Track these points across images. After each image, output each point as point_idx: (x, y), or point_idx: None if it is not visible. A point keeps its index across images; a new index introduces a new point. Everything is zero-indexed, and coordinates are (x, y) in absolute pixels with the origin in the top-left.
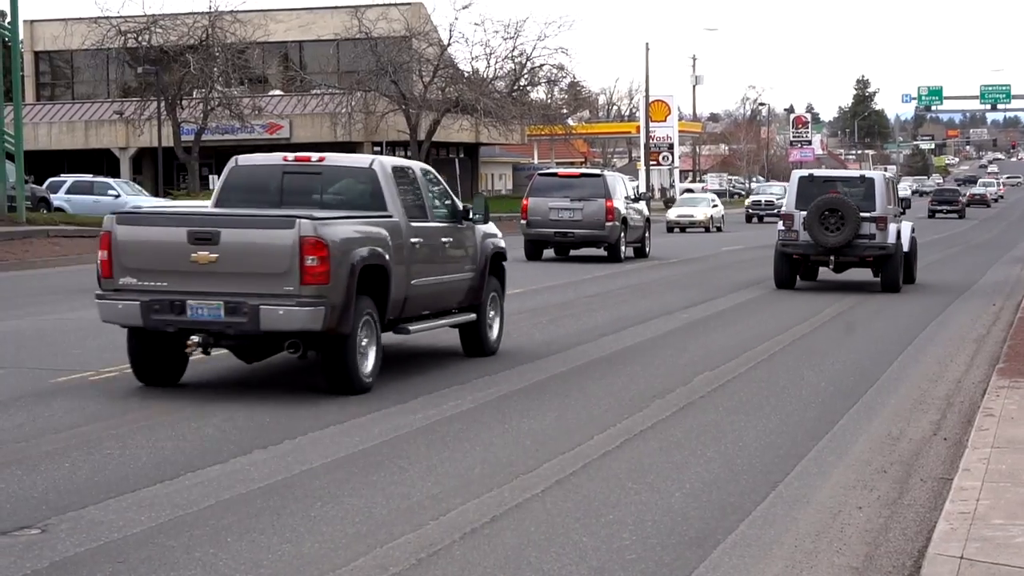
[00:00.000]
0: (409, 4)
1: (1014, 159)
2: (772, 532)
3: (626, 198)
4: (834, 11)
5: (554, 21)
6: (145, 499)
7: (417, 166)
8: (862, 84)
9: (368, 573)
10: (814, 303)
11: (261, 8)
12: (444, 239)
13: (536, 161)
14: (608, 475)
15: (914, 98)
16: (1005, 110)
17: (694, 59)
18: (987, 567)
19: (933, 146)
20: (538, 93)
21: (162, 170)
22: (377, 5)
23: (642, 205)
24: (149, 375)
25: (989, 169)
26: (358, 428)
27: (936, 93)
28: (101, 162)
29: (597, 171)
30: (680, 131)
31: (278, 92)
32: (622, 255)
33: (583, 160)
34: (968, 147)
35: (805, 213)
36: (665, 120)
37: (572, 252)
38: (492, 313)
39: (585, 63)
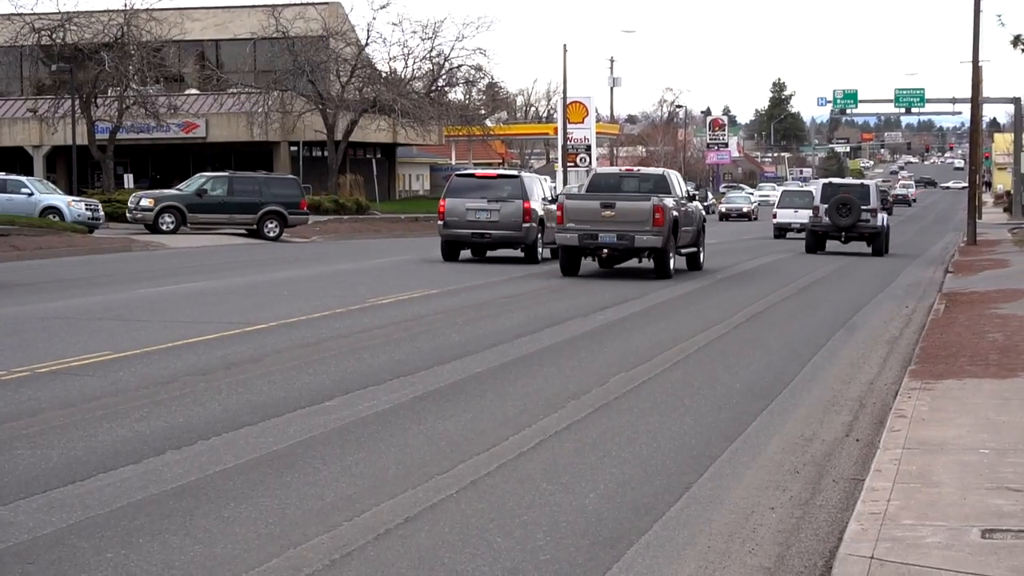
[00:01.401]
0: (326, 3)
1: (927, 162)
2: (685, 533)
3: (543, 199)
4: (751, 14)
5: (472, 22)
6: (56, 500)
7: (674, 172)
8: (778, 87)
9: (281, 574)
10: (739, 298)
11: (177, 6)
12: (688, 209)
13: (454, 162)
14: (523, 476)
15: (829, 101)
16: (919, 114)
17: (612, 61)
18: (897, 567)
19: (848, 149)
20: (456, 94)
21: (76, 169)
22: (294, 4)
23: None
24: (569, 271)
25: (900, 175)
26: (272, 429)
27: (851, 96)
28: (14, 160)
29: (514, 172)
30: (598, 132)
31: (194, 91)
32: (539, 256)
33: (501, 161)
34: (883, 150)
35: (827, 206)
36: (583, 121)
37: (489, 253)
38: (701, 249)
39: (503, 64)
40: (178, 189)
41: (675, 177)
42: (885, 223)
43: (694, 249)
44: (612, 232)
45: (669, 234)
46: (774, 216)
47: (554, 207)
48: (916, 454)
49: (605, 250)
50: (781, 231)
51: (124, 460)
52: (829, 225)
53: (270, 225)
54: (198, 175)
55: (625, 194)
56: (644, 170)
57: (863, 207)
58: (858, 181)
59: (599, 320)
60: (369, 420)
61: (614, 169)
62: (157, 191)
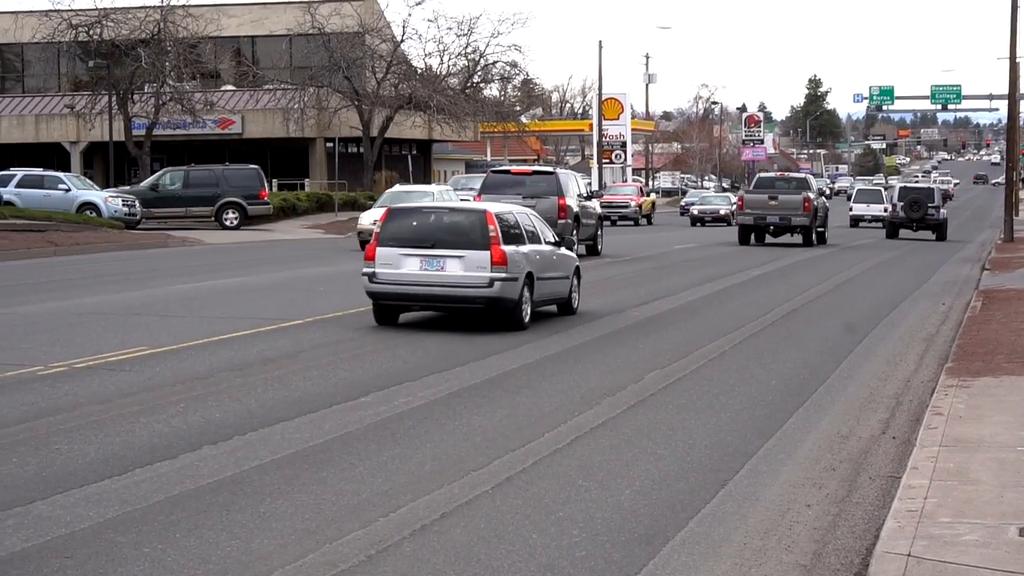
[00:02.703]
0: (362, 0)
1: (962, 159)
2: (721, 530)
3: (579, 196)
4: (787, 10)
5: (508, 18)
6: (93, 495)
7: (811, 175)
8: (814, 84)
9: (317, 570)
10: (769, 299)
11: (213, 3)
12: (821, 201)
13: (489, 158)
14: (558, 472)
15: (866, 98)
16: (955, 110)
17: (647, 57)
18: (934, 565)
19: (884, 146)
20: (491, 90)
21: (113, 164)
22: (330, 1)
23: (595, 203)
24: (744, 242)
25: (933, 175)
26: (307, 424)
27: (887, 93)
28: (51, 156)
29: (550, 169)
30: (633, 129)
31: (230, 87)
32: (575, 253)
33: (536, 158)
34: (919, 147)
35: (902, 203)
36: (618, 118)
37: None
38: (826, 229)
39: (539, 60)
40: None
41: (812, 178)
42: (944, 216)
43: (822, 229)
44: (776, 215)
45: (814, 218)
46: (850, 209)
47: (589, 203)
48: (953, 452)
49: (772, 227)
50: (855, 221)
51: (161, 455)
52: (904, 218)
53: (229, 215)
54: (162, 170)
55: (781, 190)
56: (791, 174)
57: (929, 204)
58: (926, 185)
59: (634, 317)
60: (404, 416)
61: (772, 174)
62: (117, 188)
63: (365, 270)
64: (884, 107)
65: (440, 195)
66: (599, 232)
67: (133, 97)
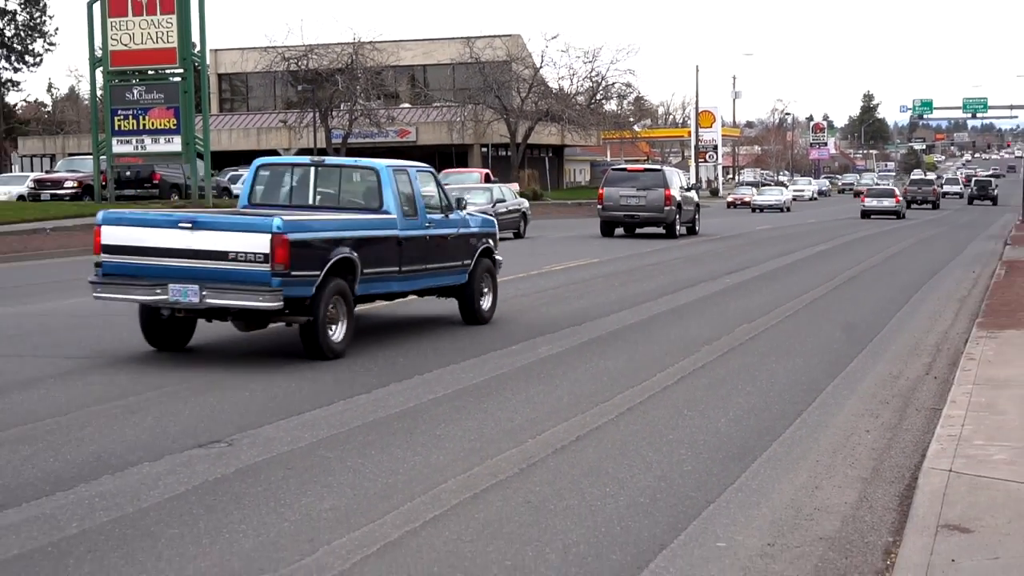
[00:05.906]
0: (509, 35)
1: (986, 157)
2: (798, 450)
3: (681, 188)
4: (845, 39)
5: (624, 48)
6: (308, 421)
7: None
8: (868, 98)
9: (481, 480)
10: (833, 269)
11: (394, 39)
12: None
13: (609, 159)
14: (668, 404)
15: (909, 108)
16: (983, 118)
17: (734, 78)
18: (970, 478)
19: (924, 147)
20: (610, 105)
21: None
22: (484, 36)
23: (693, 193)
24: (971, 202)
25: (959, 173)
26: (471, 367)
27: (927, 104)
28: None
29: (657, 167)
30: (723, 135)
31: (407, 105)
32: (677, 232)
33: (646, 158)
34: (952, 147)
35: (976, 186)
36: (711, 127)
37: (637, 231)
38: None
39: (647, 81)
40: None
41: (994, 180)
42: (997, 193)
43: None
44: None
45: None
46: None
47: (689, 193)
48: (984, 389)
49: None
50: (971, 199)
51: (359, 390)
52: (976, 194)
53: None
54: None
55: (983, 182)
56: (983, 174)
57: (989, 187)
58: (986, 175)
59: (726, 282)
60: (546, 360)
61: (986, 177)
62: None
63: None
64: (924, 116)
65: None
66: (697, 216)
67: (332, 113)
